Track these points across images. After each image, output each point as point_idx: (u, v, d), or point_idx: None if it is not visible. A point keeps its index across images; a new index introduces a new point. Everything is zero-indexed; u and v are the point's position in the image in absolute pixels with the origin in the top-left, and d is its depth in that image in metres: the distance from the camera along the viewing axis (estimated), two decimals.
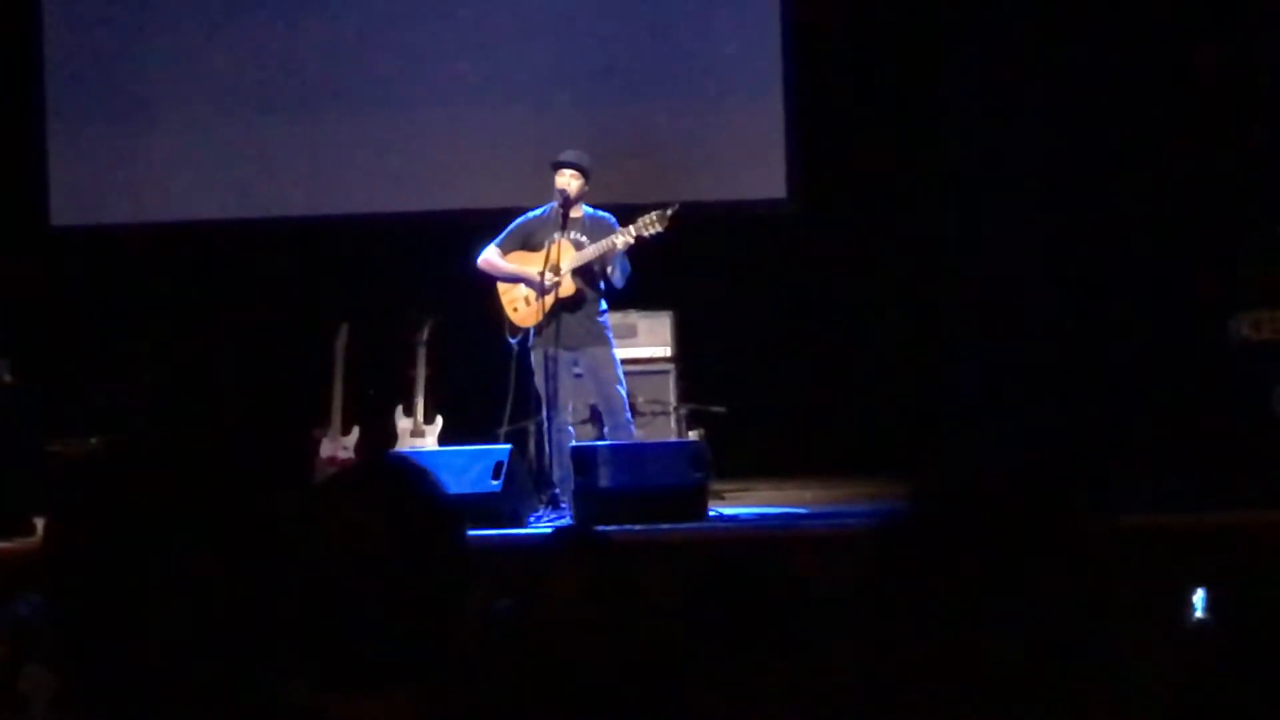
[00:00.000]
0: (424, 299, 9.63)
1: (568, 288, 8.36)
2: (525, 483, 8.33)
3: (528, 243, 8.50)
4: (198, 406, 10.26)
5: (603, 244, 8.28)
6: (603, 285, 8.46)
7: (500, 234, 8.57)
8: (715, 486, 8.54)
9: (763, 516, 8.34)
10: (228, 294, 10.79)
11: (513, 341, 8.48)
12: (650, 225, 8.20)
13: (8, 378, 8.71)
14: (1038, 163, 10.08)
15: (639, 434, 8.82)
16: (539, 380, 8.40)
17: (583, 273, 8.38)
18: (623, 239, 8.22)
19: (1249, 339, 7.99)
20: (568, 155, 8.52)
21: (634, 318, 9.50)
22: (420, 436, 9.17)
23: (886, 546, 1.66)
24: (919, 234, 10.45)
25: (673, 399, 9.60)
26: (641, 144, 10.53)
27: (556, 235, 8.35)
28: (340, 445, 9.30)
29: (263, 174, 10.88)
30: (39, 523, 7.28)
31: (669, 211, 8.19)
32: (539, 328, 8.40)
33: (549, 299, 8.31)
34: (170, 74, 10.89)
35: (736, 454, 9.37)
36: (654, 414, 9.49)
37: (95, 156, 10.91)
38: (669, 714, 2.77)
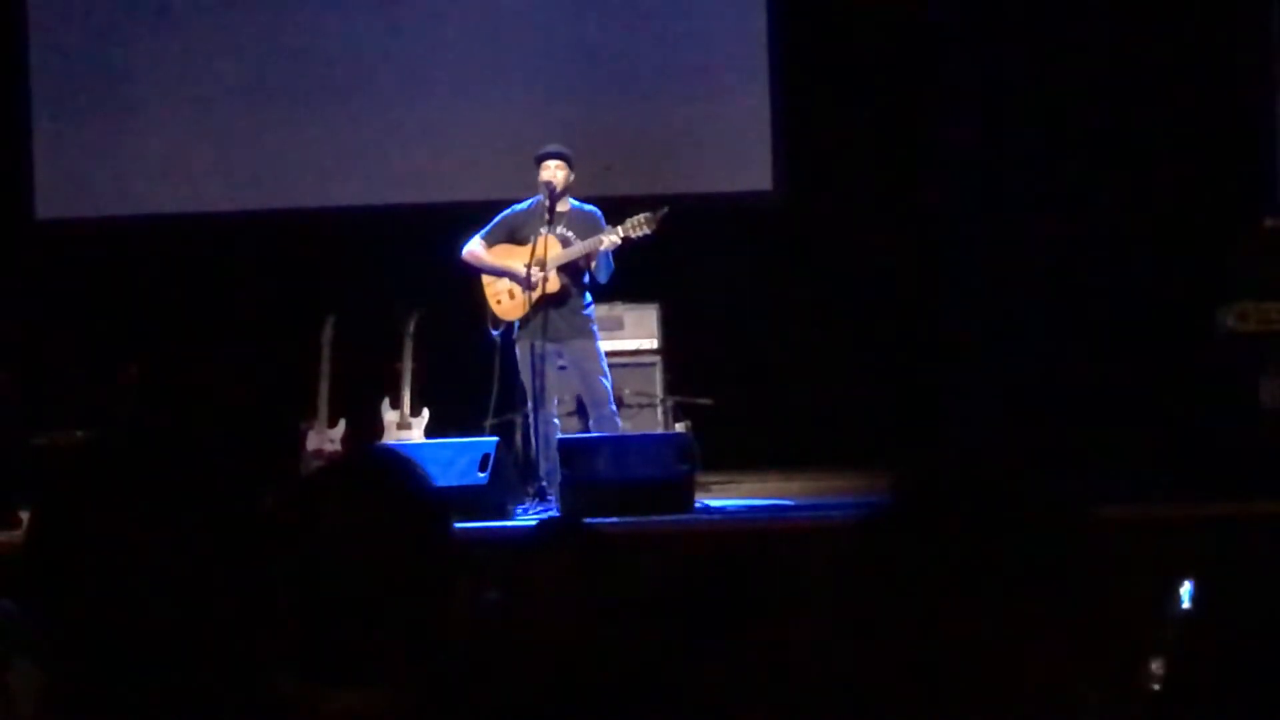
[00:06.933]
0: (410, 291, 9.63)
1: (553, 283, 8.35)
2: (512, 475, 8.33)
3: (514, 236, 8.49)
4: (183, 399, 10.24)
5: (589, 242, 8.27)
6: (587, 280, 8.45)
7: (485, 226, 8.56)
8: (701, 478, 8.54)
9: (749, 508, 8.35)
10: (213, 286, 10.78)
11: (495, 334, 8.48)
12: (639, 227, 8.20)
13: None
14: (1026, 154, 10.09)
15: (625, 426, 8.81)
16: (524, 373, 8.39)
17: (568, 268, 8.38)
18: (609, 239, 8.22)
19: (1235, 330, 8.00)
20: (552, 147, 8.51)
21: (620, 310, 9.50)
22: (407, 429, 9.16)
23: (870, 538, 1.66)
24: (905, 225, 10.46)
25: (659, 391, 9.60)
26: (627, 136, 10.53)
27: (543, 230, 8.34)
28: (327, 438, 9.28)
29: (248, 167, 10.87)
30: (25, 516, 7.27)
31: (658, 214, 8.18)
32: (523, 321, 8.40)
33: (534, 294, 8.31)
34: (156, 66, 10.87)
35: (723, 446, 9.36)
36: (640, 406, 9.49)
37: (81, 148, 10.89)
38: (656, 705, 2.77)
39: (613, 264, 8.32)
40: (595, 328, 8.57)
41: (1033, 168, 10.07)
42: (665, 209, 8.22)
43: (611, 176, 9.64)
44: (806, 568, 2.80)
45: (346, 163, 10.81)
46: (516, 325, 8.44)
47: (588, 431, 8.60)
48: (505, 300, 8.47)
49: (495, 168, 10.18)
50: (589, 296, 8.52)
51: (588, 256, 8.31)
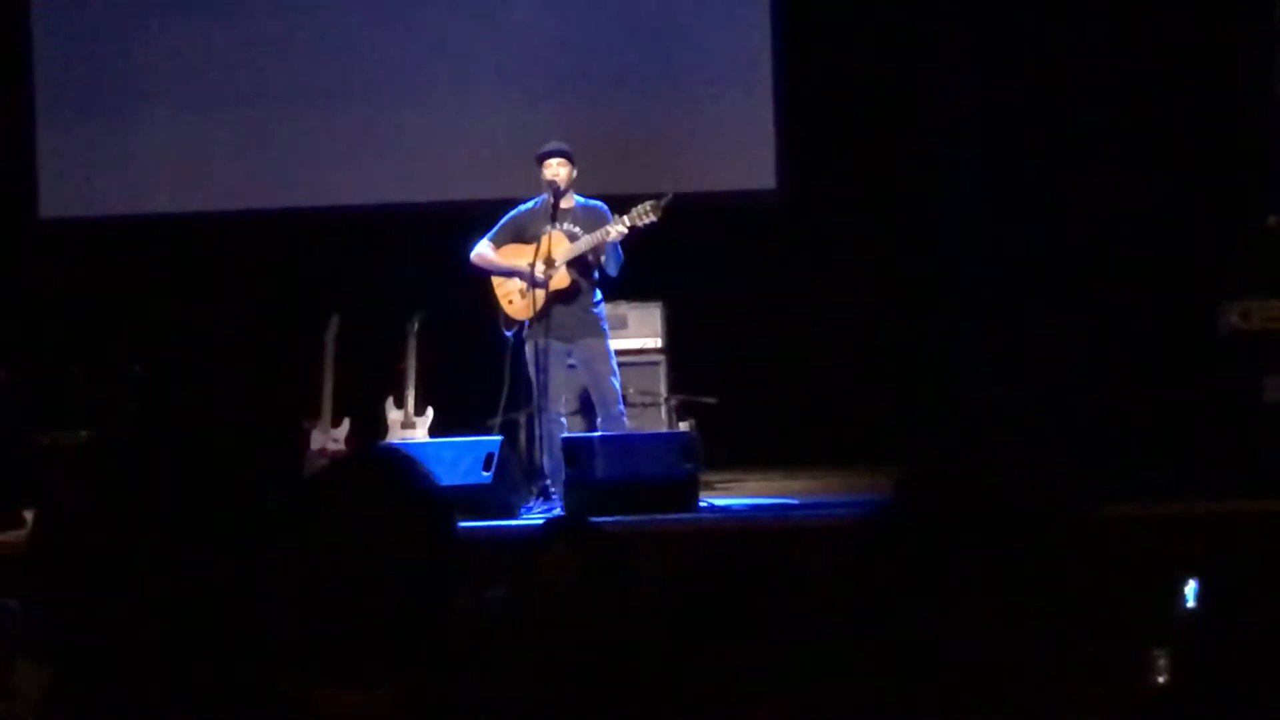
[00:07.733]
0: (414, 291, 9.63)
1: (562, 280, 8.34)
2: (516, 474, 8.32)
3: (521, 236, 8.48)
4: (187, 399, 10.24)
5: (596, 235, 8.26)
6: (597, 275, 8.44)
7: (493, 228, 8.56)
8: (705, 477, 8.54)
9: (753, 507, 8.35)
10: (218, 286, 10.77)
11: (508, 334, 8.47)
12: (644, 215, 8.18)
13: None
14: (1028, 151, 10.09)
15: (629, 425, 8.81)
16: (531, 371, 8.39)
17: (577, 264, 8.37)
18: (616, 230, 8.20)
19: (1238, 329, 8.00)
20: (553, 144, 8.51)
21: (624, 309, 9.49)
22: (411, 428, 9.16)
23: (873, 537, 1.66)
24: (908, 223, 10.46)
25: (663, 390, 9.59)
26: (631, 135, 10.52)
27: (549, 227, 8.34)
28: (330, 437, 9.29)
29: (253, 166, 10.87)
30: (29, 515, 7.27)
31: (663, 201, 8.17)
32: (533, 319, 8.39)
33: (542, 292, 8.30)
34: (160, 65, 10.87)
35: (727, 445, 9.36)
36: (644, 405, 9.48)
37: (85, 147, 10.90)
38: (660, 704, 2.78)
39: (622, 255, 8.30)
40: (606, 325, 8.55)
41: (1034, 167, 10.07)
42: (670, 195, 8.21)
43: (614, 174, 9.62)
44: (809, 567, 2.80)
45: (351, 162, 10.80)
46: (527, 324, 8.42)
47: (593, 430, 8.59)
48: (516, 300, 8.46)
49: (498, 167, 10.17)
50: (599, 294, 8.51)
51: (596, 250, 8.30)
